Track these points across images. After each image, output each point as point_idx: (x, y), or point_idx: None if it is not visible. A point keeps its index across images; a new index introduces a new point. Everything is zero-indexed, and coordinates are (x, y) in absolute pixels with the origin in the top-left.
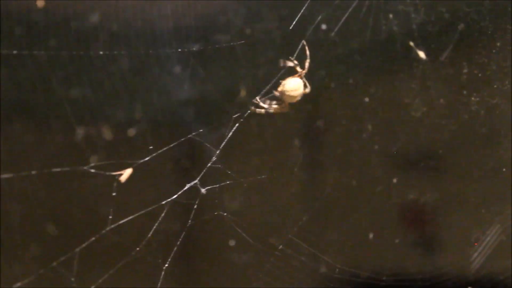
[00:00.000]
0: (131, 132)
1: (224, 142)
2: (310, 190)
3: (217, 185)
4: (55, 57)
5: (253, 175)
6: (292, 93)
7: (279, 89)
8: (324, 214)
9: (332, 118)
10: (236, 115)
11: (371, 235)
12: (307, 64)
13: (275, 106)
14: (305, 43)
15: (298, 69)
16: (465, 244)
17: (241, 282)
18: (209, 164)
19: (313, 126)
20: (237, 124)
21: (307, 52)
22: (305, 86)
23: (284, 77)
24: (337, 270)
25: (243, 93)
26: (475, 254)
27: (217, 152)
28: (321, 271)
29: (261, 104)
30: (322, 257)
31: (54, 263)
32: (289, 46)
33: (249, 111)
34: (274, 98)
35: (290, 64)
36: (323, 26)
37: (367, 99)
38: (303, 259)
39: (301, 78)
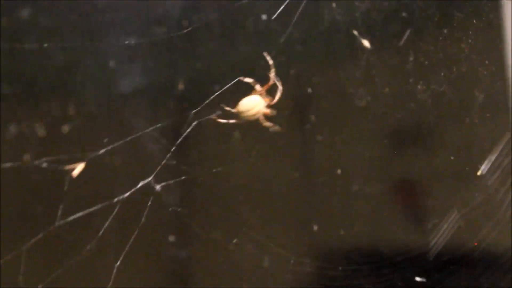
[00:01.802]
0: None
1: (180, 139)
2: (257, 183)
3: (172, 181)
4: None
5: (207, 170)
6: (247, 113)
7: (234, 110)
8: (271, 206)
9: (275, 109)
10: (194, 112)
11: (315, 227)
12: (272, 75)
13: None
14: (266, 54)
15: (257, 87)
16: (422, 231)
17: (194, 277)
18: (163, 162)
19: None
20: (195, 122)
21: (270, 62)
22: (266, 96)
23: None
24: (292, 261)
25: (181, 86)
26: (433, 241)
27: (173, 148)
28: (277, 263)
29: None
30: (276, 248)
31: (1, 261)
32: (229, 36)
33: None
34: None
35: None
36: (264, 16)
37: (310, 90)
38: (258, 251)
39: (260, 94)
